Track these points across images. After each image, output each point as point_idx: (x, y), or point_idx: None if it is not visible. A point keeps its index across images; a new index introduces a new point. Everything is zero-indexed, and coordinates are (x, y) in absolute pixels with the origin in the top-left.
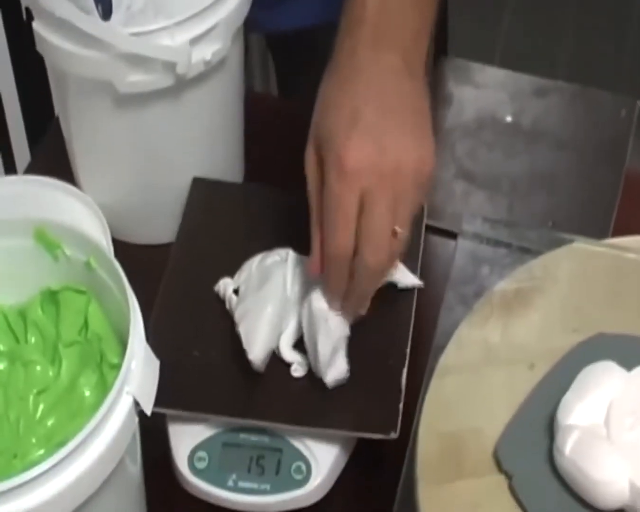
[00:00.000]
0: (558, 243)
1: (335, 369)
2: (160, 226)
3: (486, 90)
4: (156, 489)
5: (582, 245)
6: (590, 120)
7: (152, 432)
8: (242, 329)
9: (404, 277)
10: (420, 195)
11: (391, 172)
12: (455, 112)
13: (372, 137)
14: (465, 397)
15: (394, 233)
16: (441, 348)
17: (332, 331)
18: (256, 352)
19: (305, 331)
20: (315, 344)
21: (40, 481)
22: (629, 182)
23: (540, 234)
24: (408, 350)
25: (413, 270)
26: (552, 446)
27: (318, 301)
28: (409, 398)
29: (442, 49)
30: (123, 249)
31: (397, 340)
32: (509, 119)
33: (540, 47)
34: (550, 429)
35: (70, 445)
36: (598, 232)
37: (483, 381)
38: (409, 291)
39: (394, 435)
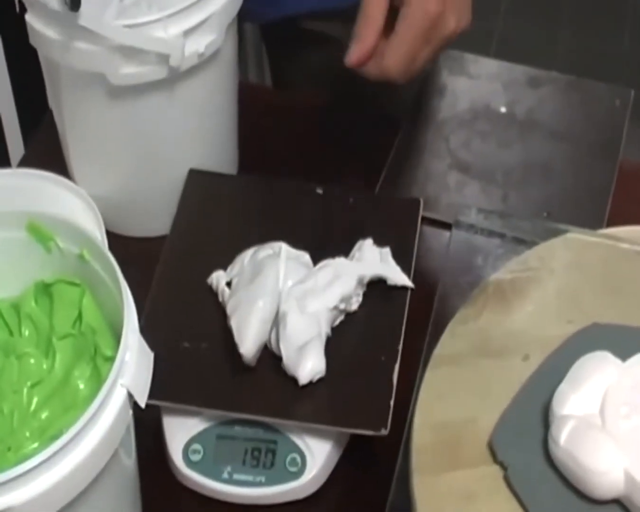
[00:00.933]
0: (553, 233)
1: (303, 368)
2: (154, 219)
3: (480, 81)
4: (151, 482)
5: (576, 236)
6: (584, 111)
7: (146, 425)
8: (233, 323)
9: (395, 275)
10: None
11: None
12: (449, 103)
13: None
14: (460, 388)
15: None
16: (436, 339)
17: (297, 332)
18: (247, 346)
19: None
20: (278, 344)
21: (34, 474)
22: (623, 172)
23: (534, 224)
24: (400, 347)
25: (408, 264)
26: (547, 436)
27: (286, 301)
28: (403, 389)
29: None
30: (117, 242)
31: (389, 336)
32: (503, 109)
33: (536, 39)
34: (545, 419)
35: (64, 438)
36: (592, 222)
37: (478, 371)
38: (402, 286)
39: (384, 432)
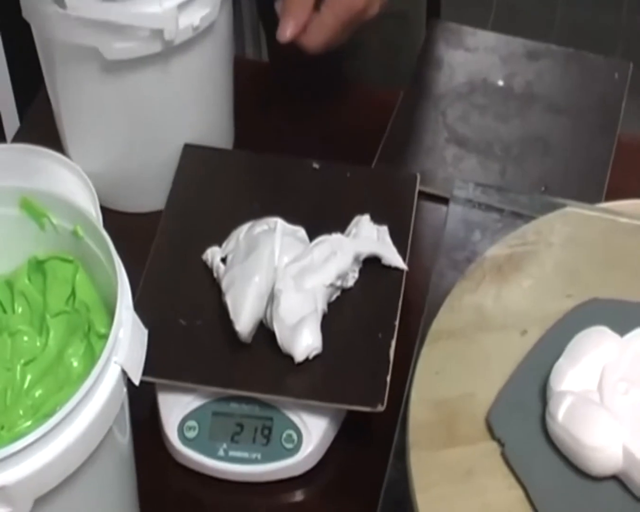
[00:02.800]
0: (551, 208)
1: (299, 345)
2: (149, 194)
3: (478, 54)
4: (146, 459)
5: (575, 210)
6: (583, 84)
7: (141, 402)
8: (229, 299)
9: (391, 255)
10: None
11: None
12: (446, 76)
13: None
14: (457, 364)
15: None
16: (433, 314)
17: (291, 310)
18: (243, 323)
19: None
20: (272, 323)
21: (28, 452)
22: (622, 145)
23: (532, 198)
24: (397, 323)
25: (404, 240)
26: (544, 412)
27: (281, 279)
28: (400, 365)
29: (435, 12)
30: (112, 217)
31: (386, 313)
32: (500, 83)
33: (533, 10)
34: (543, 395)
35: (58, 416)
36: (591, 196)
37: (475, 347)
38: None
39: (380, 408)
